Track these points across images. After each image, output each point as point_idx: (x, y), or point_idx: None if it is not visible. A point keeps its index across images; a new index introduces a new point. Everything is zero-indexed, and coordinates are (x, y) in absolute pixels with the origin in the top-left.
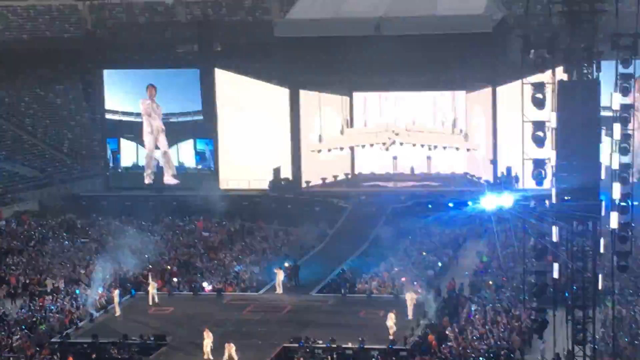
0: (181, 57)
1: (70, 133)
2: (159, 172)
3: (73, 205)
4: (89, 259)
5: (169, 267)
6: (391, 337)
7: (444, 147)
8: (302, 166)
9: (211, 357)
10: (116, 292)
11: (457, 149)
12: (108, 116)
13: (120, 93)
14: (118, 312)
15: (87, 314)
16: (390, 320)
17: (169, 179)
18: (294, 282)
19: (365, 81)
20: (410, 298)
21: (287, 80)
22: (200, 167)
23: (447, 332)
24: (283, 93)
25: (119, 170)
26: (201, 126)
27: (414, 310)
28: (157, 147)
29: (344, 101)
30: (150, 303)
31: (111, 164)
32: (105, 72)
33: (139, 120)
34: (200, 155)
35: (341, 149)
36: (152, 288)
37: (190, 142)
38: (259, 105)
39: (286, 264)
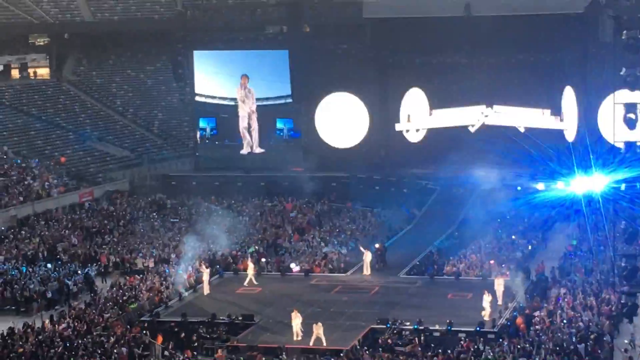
0: (270, 38)
1: (160, 114)
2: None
3: (163, 185)
4: (179, 239)
5: (257, 247)
6: (486, 318)
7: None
8: (391, 147)
9: (300, 338)
10: (206, 272)
11: (548, 129)
12: (204, 99)
13: (216, 77)
14: (207, 291)
15: (177, 293)
16: (486, 302)
17: (256, 149)
18: (382, 264)
19: (454, 62)
20: (498, 283)
21: (376, 61)
22: (288, 145)
23: (535, 315)
24: (372, 73)
25: (216, 143)
26: (290, 107)
27: (503, 293)
28: (249, 126)
29: (433, 81)
30: (247, 284)
31: (208, 137)
32: (196, 54)
33: (232, 104)
34: (289, 134)
35: (429, 129)
36: (251, 270)
37: (280, 121)
38: (348, 86)
39: (376, 245)
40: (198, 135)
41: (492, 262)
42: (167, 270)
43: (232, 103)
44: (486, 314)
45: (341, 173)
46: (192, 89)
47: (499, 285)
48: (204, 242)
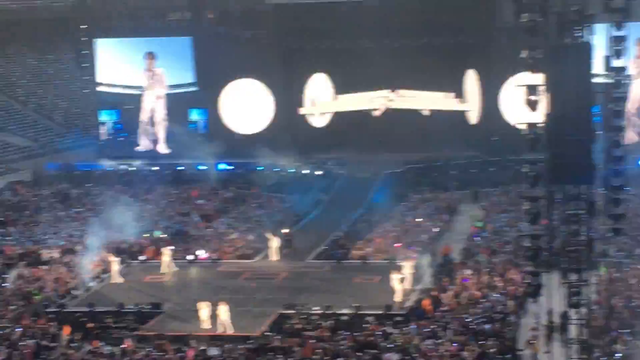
0: (173, 25)
1: (63, 102)
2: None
3: (67, 175)
4: (84, 229)
5: (163, 235)
6: (397, 299)
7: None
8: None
9: (207, 327)
10: (113, 261)
11: (452, 111)
12: (107, 89)
13: (119, 65)
14: (115, 281)
15: (83, 283)
16: (395, 281)
17: (161, 147)
18: (289, 249)
19: (357, 47)
20: (405, 266)
21: (280, 47)
22: (194, 135)
23: (442, 297)
24: (276, 59)
25: (119, 139)
26: (196, 95)
27: (410, 276)
28: (152, 117)
29: (337, 66)
30: (165, 271)
31: (110, 133)
32: (98, 42)
33: (138, 92)
34: (194, 125)
35: (333, 113)
36: (167, 256)
37: (186, 111)
38: (252, 72)
39: (284, 231)
40: (104, 130)
41: (398, 245)
42: (73, 261)
43: (138, 92)
44: (398, 295)
45: (247, 159)
46: (94, 78)
47: (406, 268)
48: (110, 231)
